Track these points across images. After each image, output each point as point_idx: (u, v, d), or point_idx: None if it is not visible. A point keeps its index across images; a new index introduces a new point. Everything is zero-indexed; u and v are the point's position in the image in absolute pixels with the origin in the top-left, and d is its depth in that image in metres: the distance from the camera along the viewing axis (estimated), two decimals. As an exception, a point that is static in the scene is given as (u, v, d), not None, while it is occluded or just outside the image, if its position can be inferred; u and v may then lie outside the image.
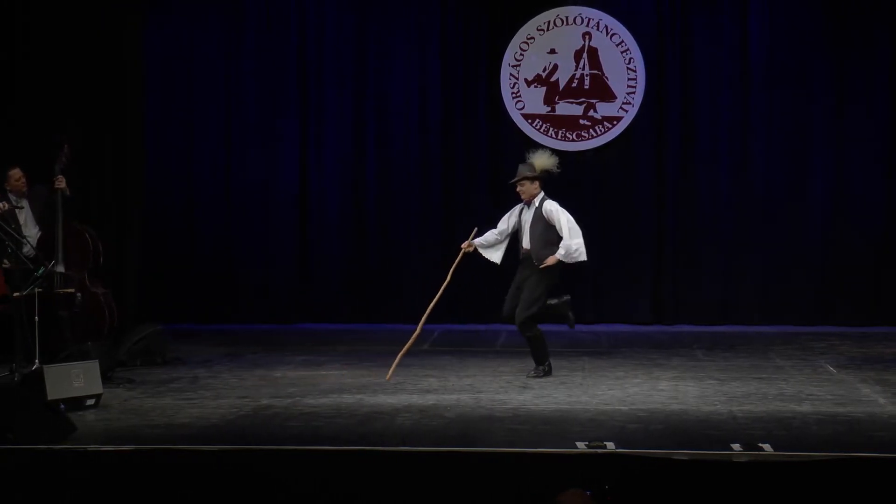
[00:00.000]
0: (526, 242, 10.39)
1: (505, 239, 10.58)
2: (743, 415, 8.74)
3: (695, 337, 13.03)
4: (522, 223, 10.44)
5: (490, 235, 10.59)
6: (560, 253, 10.22)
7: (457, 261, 10.57)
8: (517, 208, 10.53)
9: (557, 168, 10.54)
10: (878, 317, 13.71)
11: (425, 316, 10.53)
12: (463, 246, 10.61)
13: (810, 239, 13.87)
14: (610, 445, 7.61)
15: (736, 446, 7.61)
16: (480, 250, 10.60)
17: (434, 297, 10.57)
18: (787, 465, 7.05)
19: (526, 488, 6.63)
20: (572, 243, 10.20)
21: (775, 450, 7.52)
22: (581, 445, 7.62)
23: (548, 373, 10.43)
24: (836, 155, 13.82)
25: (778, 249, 13.86)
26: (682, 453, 7.34)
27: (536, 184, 10.40)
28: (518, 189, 10.43)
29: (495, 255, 10.61)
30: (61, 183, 10.74)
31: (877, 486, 6.74)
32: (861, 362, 11.24)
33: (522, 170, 10.46)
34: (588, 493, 5.69)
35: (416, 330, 10.53)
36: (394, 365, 10.35)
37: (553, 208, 10.30)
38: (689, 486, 6.77)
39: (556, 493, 5.59)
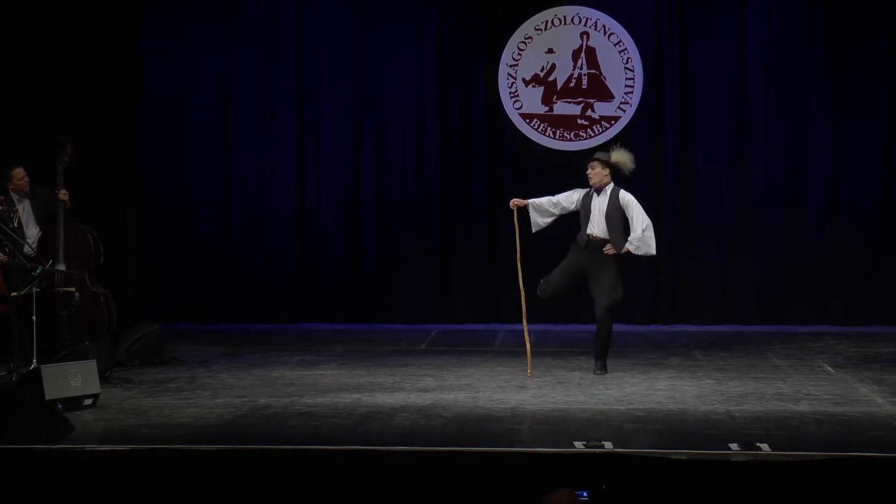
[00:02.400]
0: (596, 229, 10.39)
1: (559, 213, 10.59)
2: (741, 414, 8.75)
3: (692, 336, 13.03)
4: (592, 208, 10.42)
5: (545, 201, 10.59)
6: (631, 246, 10.32)
7: (516, 221, 10.58)
8: (580, 191, 10.53)
9: (630, 172, 10.58)
10: (875, 316, 13.71)
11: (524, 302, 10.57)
12: (515, 202, 10.59)
13: (808, 238, 13.87)
14: (608, 445, 7.61)
15: (734, 446, 7.61)
16: (531, 209, 10.58)
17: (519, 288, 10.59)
18: (784, 465, 7.06)
19: (524, 488, 6.64)
20: (646, 236, 10.31)
21: (773, 449, 7.53)
22: (579, 445, 7.62)
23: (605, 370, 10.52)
24: (832, 155, 13.82)
25: (775, 249, 13.87)
26: (680, 453, 7.36)
27: (608, 171, 10.45)
28: (588, 172, 10.46)
29: (542, 221, 10.60)
30: (64, 196, 10.76)
31: (875, 486, 6.75)
32: (858, 362, 11.25)
33: (599, 154, 10.60)
34: (581, 494, 5.69)
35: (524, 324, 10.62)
36: (529, 359, 10.46)
37: (630, 198, 10.39)
38: (687, 486, 6.77)
39: (550, 492, 5.59)
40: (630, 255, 10.45)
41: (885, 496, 6.67)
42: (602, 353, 10.52)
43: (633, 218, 10.34)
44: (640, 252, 10.39)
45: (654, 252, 10.47)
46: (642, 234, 10.31)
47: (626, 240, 10.35)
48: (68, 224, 10.79)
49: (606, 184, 10.44)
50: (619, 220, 10.37)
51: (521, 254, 10.64)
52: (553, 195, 10.63)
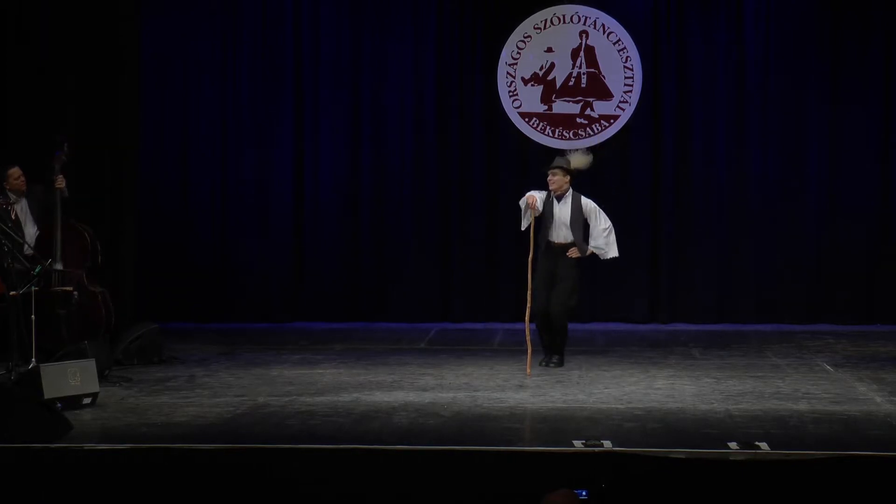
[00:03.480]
0: (559, 235, 10.63)
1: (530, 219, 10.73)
2: (739, 413, 8.75)
3: (691, 335, 13.03)
4: (554, 214, 10.64)
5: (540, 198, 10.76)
6: (598, 250, 10.67)
7: (532, 220, 10.64)
8: (543, 195, 10.69)
9: (589, 165, 10.90)
10: (874, 315, 13.72)
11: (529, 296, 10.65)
12: (533, 204, 10.66)
13: (806, 237, 13.87)
14: (607, 444, 7.61)
15: (733, 445, 7.61)
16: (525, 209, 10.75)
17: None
18: (783, 464, 7.06)
19: (523, 487, 6.64)
20: (609, 240, 10.65)
21: (772, 448, 7.53)
22: (578, 444, 7.62)
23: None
24: (830, 154, 13.82)
25: (774, 247, 13.87)
26: (679, 452, 7.35)
27: (568, 178, 10.70)
28: (549, 178, 10.68)
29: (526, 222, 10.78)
30: (61, 183, 10.74)
31: (873, 485, 6.75)
32: (857, 361, 11.25)
33: (559, 161, 10.76)
34: (580, 493, 5.69)
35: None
36: (529, 359, 10.58)
37: (593, 205, 10.67)
38: (686, 485, 6.77)
39: (551, 491, 5.59)
40: (595, 256, 10.78)
41: (884, 495, 6.67)
42: (560, 347, 10.76)
43: (596, 224, 10.66)
44: (605, 256, 10.75)
45: (616, 254, 10.77)
46: (606, 239, 10.65)
47: (588, 243, 10.67)
48: (65, 223, 10.77)
49: (566, 191, 10.68)
50: (582, 226, 10.66)
51: (533, 253, 10.68)
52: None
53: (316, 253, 14.18)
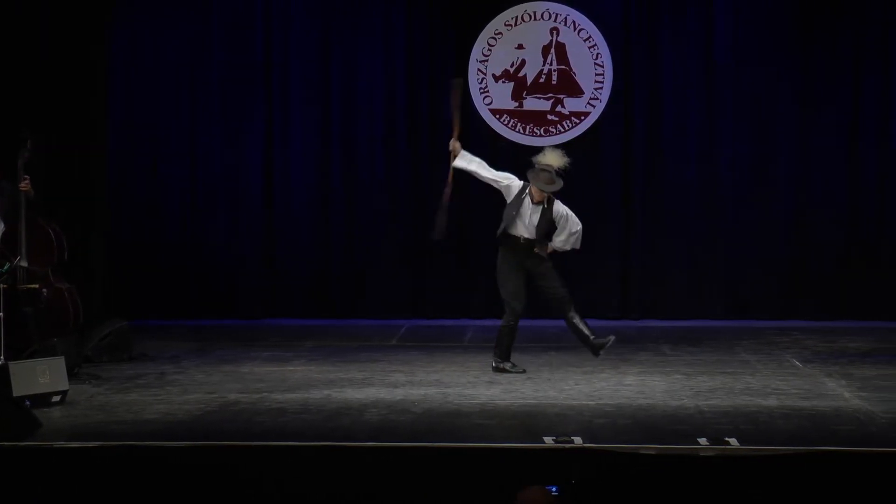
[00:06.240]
0: (525, 232, 10.38)
1: (483, 178, 10.65)
2: (709, 409, 8.78)
3: (662, 332, 13.07)
4: (523, 211, 10.39)
5: (479, 161, 10.68)
6: (564, 245, 10.44)
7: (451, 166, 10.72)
8: (518, 184, 10.47)
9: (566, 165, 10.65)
10: (843, 311, 13.78)
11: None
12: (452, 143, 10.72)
13: (776, 234, 13.92)
14: (577, 440, 7.63)
15: (702, 440, 7.64)
16: (459, 158, 10.71)
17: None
18: (753, 460, 7.10)
19: (494, 483, 6.64)
20: (572, 239, 10.42)
21: (741, 444, 7.57)
22: (548, 440, 7.63)
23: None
24: (800, 150, 13.87)
25: (744, 244, 13.91)
26: (650, 448, 7.38)
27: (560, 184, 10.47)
28: (541, 176, 10.40)
29: (465, 166, 10.70)
30: (26, 186, 10.65)
31: (842, 480, 6.79)
32: (826, 357, 11.31)
33: (553, 178, 10.41)
34: (550, 488, 5.70)
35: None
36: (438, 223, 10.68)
37: (564, 211, 10.42)
38: (656, 481, 6.80)
39: (523, 487, 5.60)
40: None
41: (852, 490, 6.71)
42: (586, 338, 10.51)
43: (564, 227, 10.41)
44: (566, 248, 10.49)
45: (578, 247, 10.55)
46: (567, 238, 10.41)
47: (550, 241, 10.42)
48: (30, 220, 10.68)
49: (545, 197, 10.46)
50: (549, 229, 10.42)
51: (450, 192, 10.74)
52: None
53: (287, 250, 14.15)
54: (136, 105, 14.02)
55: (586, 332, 10.50)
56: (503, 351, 10.49)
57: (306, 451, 7.32)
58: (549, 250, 10.42)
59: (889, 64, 13.79)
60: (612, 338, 10.51)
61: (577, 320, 10.50)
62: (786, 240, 13.90)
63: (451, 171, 10.78)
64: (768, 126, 13.92)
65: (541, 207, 10.39)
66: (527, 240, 10.40)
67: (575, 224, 10.42)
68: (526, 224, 10.41)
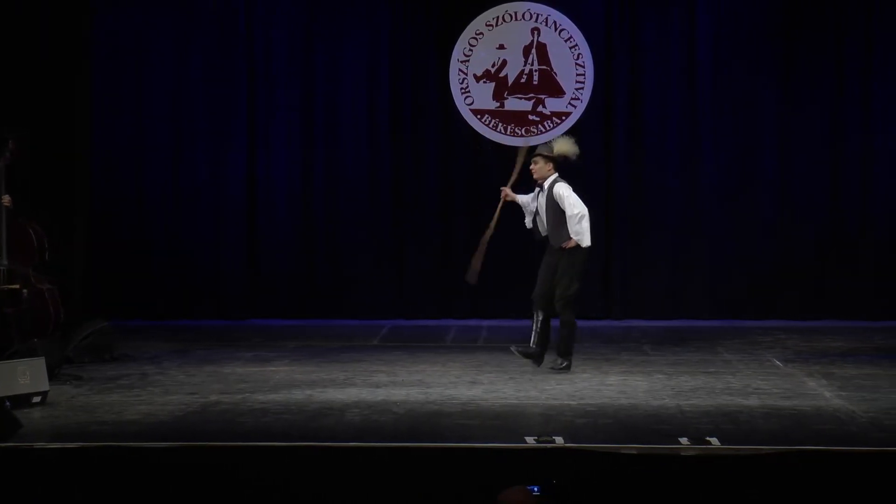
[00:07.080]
0: (544, 226, 10.42)
1: (528, 214, 10.57)
2: (691, 409, 8.80)
3: (644, 331, 13.09)
4: (539, 206, 10.43)
5: (525, 198, 10.58)
6: (576, 237, 10.26)
7: (499, 207, 10.60)
8: (536, 190, 10.51)
9: (576, 157, 10.54)
10: (823, 311, 13.83)
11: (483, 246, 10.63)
12: (504, 190, 10.58)
13: (758, 234, 13.96)
14: (559, 440, 7.65)
15: (684, 440, 7.67)
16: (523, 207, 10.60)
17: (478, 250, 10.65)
18: (734, 459, 7.12)
19: (476, 483, 6.64)
20: (577, 228, 10.23)
21: (723, 444, 7.59)
22: (530, 440, 7.64)
23: (568, 368, 10.38)
24: (782, 150, 13.92)
25: (725, 244, 13.95)
26: (631, 447, 7.40)
27: (550, 165, 10.40)
28: (532, 167, 10.42)
29: (526, 220, 10.62)
30: (7, 202, 10.57)
31: (822, 480, 6.80)
32: (807, 356, 11.34)
33: (540, 149, 10.50)
34: (532, 488, 5.70)
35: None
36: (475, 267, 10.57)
37: (562, 191, 10.30)
38: (638, 480, 6.80)
39: (504, 487, 5.60)
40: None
41: (833, 490, 6.73)
42: (563, 350, 10.43)
43: (565, 210, 10.28)
44: (582, 244, 10.29)
45: (588, 244, 10.32)
46: (577, 227, 10.24)
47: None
48: (11, 219, 10.64)
49: (548, 177, 10.40)
50: (556, 215, 10.32)
51: (491, 234, 10.63)
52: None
53: (270, 250, 14.14)
54: (120, 104, 13.99)
55: (540, 338, 10.45)
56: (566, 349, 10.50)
57: (289, 451, 7.31)
58: (570, 244, 10.29)
59: (871, 64, 13.85)
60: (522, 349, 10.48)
61: (547, 323, 10.45)
62: (768, 240, 13.94)
63: (496, 214, 10.66)
64: (750, 126, 13.96)
65: (546, 193, 10.36)
66: (545, 237, 10.46)
67: (571, 207, 10.26)
68: (542, 217, 10.43)
